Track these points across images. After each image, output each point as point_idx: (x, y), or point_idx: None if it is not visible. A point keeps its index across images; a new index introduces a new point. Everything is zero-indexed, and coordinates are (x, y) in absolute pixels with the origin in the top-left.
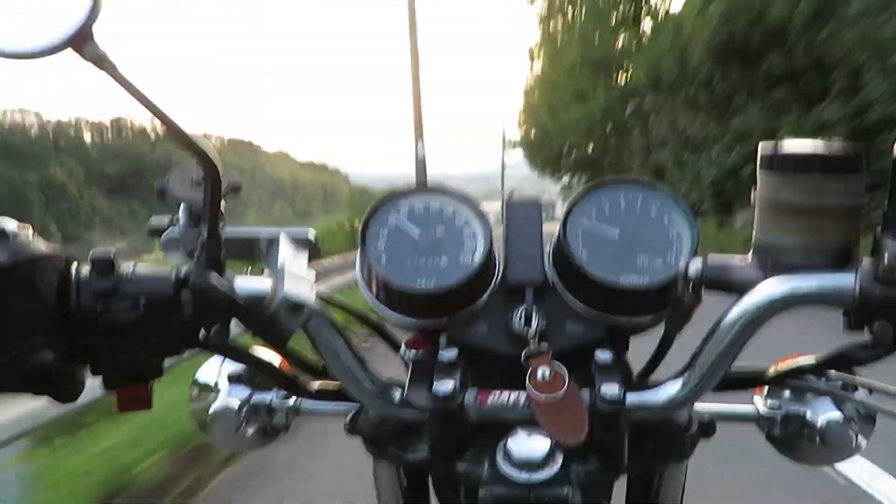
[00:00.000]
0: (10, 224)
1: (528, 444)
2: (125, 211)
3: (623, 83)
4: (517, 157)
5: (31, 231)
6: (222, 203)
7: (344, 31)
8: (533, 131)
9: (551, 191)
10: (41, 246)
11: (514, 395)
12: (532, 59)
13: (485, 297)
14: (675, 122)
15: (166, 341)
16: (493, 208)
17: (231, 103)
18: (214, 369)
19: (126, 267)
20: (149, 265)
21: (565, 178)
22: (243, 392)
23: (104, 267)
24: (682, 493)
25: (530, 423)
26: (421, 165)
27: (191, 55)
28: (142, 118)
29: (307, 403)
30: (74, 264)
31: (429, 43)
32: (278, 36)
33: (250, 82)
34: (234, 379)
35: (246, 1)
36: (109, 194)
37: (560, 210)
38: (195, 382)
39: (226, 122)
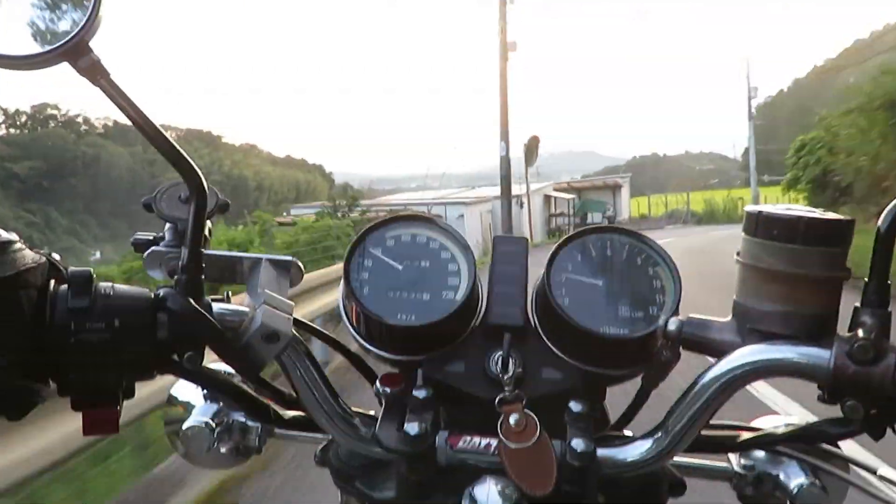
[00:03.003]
0: (2, 233)
1: (494, 493)
2: (38, 220)
3: None
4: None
5: (17, 240)
6: (208, 224)
7: (336, 20)
8: None
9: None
10: (27, 257)
11: (484, 440)
12: None
13: (464, 335)
14: None
15: (139, 364)
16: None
17: (211, 96)
18: (189, 386)
19: (104, 286)
20: (128, 285)
21: None
22: (217, 411)
23: (81, 285)
24: None
25: (499, 471)
26: (505, 163)
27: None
28: (71, 107)
29: (280, 429)
30: (52, 281)
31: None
32: (272, 26)
33: (238, 73)
34: (208, 396)
35: None
36: (19, 199)
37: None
38: (170, 399)
39: (202, 116)
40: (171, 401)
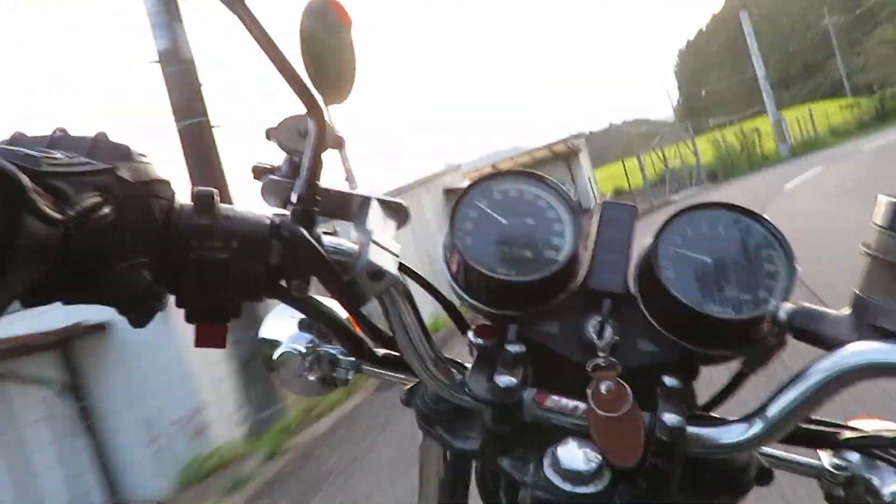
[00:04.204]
0: (135, 147)
1: (578, 456)
2: None
3: None
4: None
5: (148, 157)
6: (322, 158)
7: None
8: None
9: None
10: (158, 171)
11: (572, 403)
12: None
13: (562, 296)
14: None
15: (250, 286)
16: None
17: None
18: (285, 312)
19: (225, 207)
20: (246, 209)
21: None
22: (309, 341)
23: (204, 204)
24: None
25: (583, 434)
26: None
27: None
28: None
29: (368, 364)
30: (179, 197)
31: None
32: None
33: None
34: (302, 326)
35: None
36: None
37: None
38: (266, 322)
39: None
40: (268, 323)
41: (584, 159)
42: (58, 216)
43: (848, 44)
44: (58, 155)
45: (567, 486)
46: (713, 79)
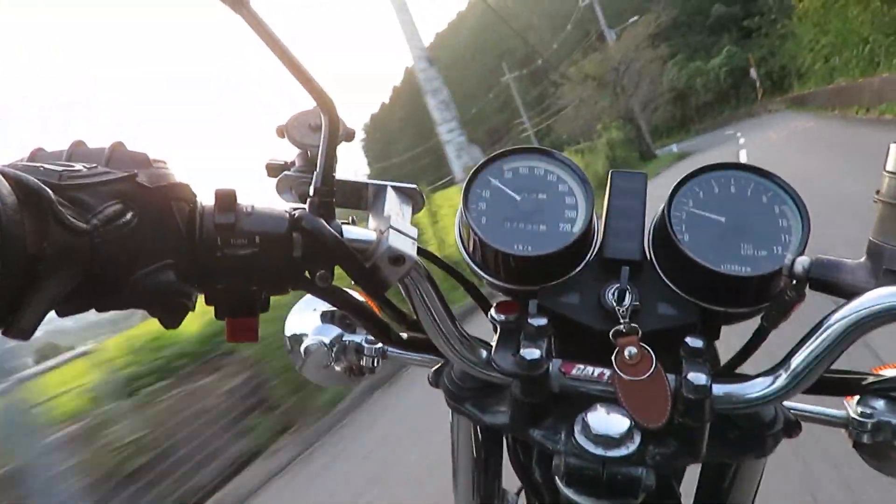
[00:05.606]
0: (151, 153)
1: (607, 420)
2: None
3: None
4: None
5: (167, 162)
6: (336, 150)
7: None
8: None
9: None
10: (177, 175)
11: (597, 370)
12: None
13: (579, 267)
14: None
15: (275, 279)
16: None
17: None
18: (308, 306)
19: (245, 205)
20: (266, 205)
21: None
22: (334, 331)
23: (226, 203)
24: (757, 490)
25: (611, 399)
26: None
27: None
28: None
29: (394, 350)
30: (200, 198)
31: None
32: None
33: None
34: (326, 318)
35: None
36: None
37: None
38: (291, 317)
39: None
40: (292, 318)
41: None
42: (83, 226)
43: (534, 101)
44: (77, 167)
45: (599, 450)
46: (399, 149)
